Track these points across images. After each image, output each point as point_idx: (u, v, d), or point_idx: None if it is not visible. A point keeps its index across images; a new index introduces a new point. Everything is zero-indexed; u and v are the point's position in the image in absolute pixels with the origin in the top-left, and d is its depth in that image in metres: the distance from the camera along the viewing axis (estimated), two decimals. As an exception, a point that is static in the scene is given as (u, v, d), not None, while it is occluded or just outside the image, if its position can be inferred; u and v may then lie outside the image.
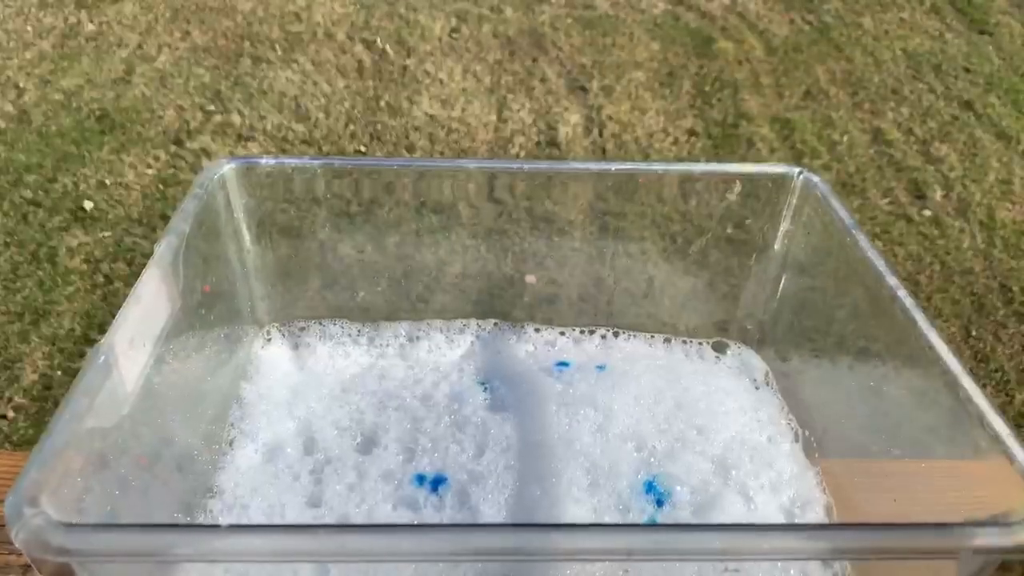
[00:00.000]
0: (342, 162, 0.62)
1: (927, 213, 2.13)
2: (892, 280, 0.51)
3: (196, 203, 0.55)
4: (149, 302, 0.47)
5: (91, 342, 1.64)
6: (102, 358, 0.42)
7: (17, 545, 0.33)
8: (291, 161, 0.62)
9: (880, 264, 0.52)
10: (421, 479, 0.54)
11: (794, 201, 0.62)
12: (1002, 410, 1.45)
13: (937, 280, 1.92)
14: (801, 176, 0.61)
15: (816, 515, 0.56)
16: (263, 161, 0.61)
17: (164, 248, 0.51)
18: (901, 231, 2.06)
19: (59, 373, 1.59)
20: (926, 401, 0.47)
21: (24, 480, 0.35)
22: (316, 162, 0.62)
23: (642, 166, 0.62)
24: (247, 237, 0.64)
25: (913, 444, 0.50)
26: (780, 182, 0.62)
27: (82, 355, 1.62)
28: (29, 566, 0.48)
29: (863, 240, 0.55)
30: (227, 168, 0.60)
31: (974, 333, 1.79)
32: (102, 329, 1.66)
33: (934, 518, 0.36)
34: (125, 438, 0.44)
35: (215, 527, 0.32)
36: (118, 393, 0.43)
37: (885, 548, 0.34)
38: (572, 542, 0.33)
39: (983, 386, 1.46)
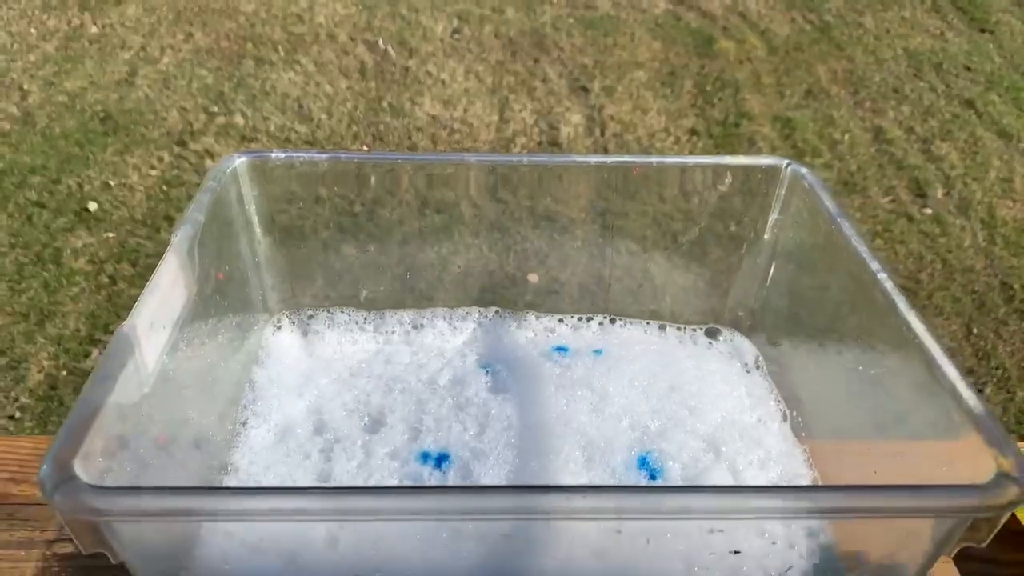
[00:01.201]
0: (349, 156, 0.63)
1: (928, 211, 2.14)
2: (875, 266, 0.52)
3: (209, 195, 0.58)
4: (167, 288, 0.49)
5: (96, 343, 1.65)
6: (124, 340, 0.44)
7: (53, 507, 0.35)
8: (301, 155, 0.64)
9: (864, 251, 0.53)
10: (426, 456, 0.56)
11: (783, 192, 0.64)
12: (1003, 407, 1.44)
13: (938, 278, 1.93)
14: (789, 168, 0.63)
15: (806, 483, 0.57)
16: (274, 155, 0.63)
17: (180, 237, 0.52)
18: (902, 229, 2.07)
19: (64, 373, 1.60)
20: (908, 383, 0.48)
21: (56, 449, 0.37)
22: (324, 156, 0.63)
23: (636, 159, 0.64)
24: (258, 228, 0.66)
25: (896, 425, 0.51)
26: (769, 174, 0.64)
27: (87, 355, 1.63)
28: (53, 541, 0.50)
29: (848, 228, 0.56)
30: (239, 162, 0.62)
31: (975, 331, 1.80)
32: (107, 330, 1.67)
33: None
34: (145, 417, 0.46)
35: (233, 488, 0.33)
36: (139, 374, 0.45)
37: (862, 508, 0.36)
38: (563, 502, 0.34)
39: (983, 383, 1.45)
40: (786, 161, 0.63)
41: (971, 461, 0.40)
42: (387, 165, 0.64)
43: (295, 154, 0.63)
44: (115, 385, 0.41)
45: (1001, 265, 1.97)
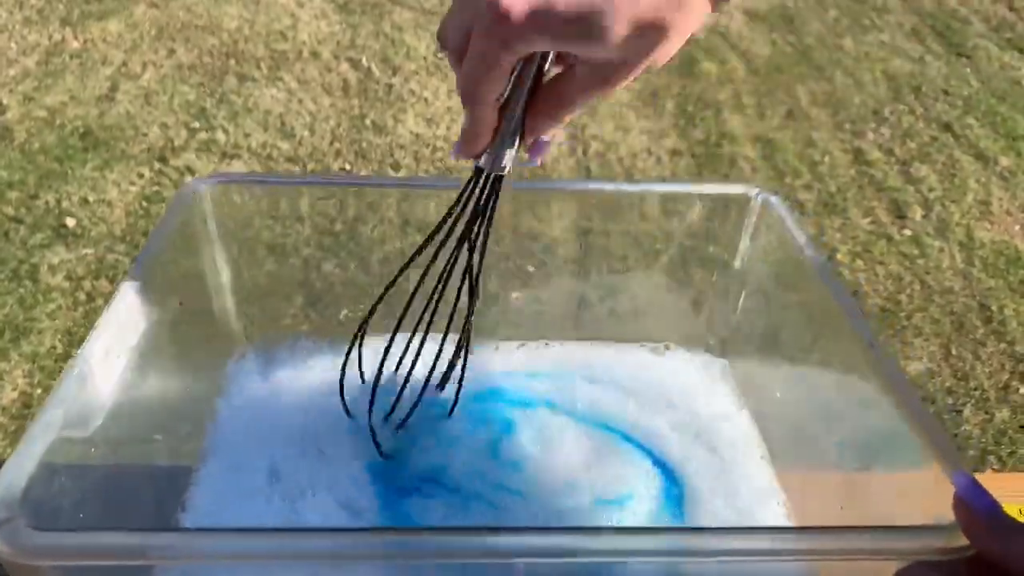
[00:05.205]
0: (317, 181, 0.63)
1: (907, 233, 2.15)
2: (843, 297, 0.52)
3: (173, 221, 0.56)
4: (124, 316, 0.48)
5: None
6: (77, 370, 0.43)
7: None
8: (266, 180, 0.62)
9: (832, 281, 0.54)
10: (403, 491, 0.54)
11: (753, 220, 0.64)
12: (982, 428, 1.44)
13: (917, 299, 1.94)
14: (760, 196, 0.63)
15: (774, 514, 0.57)
16: (239, 180, 0.61)
17: (140, 264, 0.51)
18: (882, 250, 2.08)
19: (39, 391, 1.58)
20: (874, 414, 0.48)
21: None
22: (290, 181, 0.62)
23: (607, 185, 0.64)
24: (222, 254, 0.64)
25: (862, 455, 0.51)
26: (740, 202, 0.64)
27: (63, 372, 1.61)
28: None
29: (816, 258, 0.56)
30: (204, 187, 0.60)
31: (954, 352, 1.81)
32: (83, 346, 1.65)
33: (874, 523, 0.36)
34: (99, 450, 0.44)
35: (184, 530, 0.32)
36: (92, 405, 0.43)
37: (825, 550, 0.35)
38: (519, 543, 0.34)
39: (962, 404, 1.45)
40: (756, 189, 0.64)
41: (935, 494, 0.40)
42: (357, 190, 0.63)
43: (260, 179, 0.62)
44: (66, 418, 0.40)
45: (979, 287, 1.99)
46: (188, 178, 2.18)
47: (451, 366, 0.58)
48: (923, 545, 0.36)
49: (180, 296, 0.57)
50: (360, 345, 0.58)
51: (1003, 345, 1.83)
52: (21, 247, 1.89)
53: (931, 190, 2.31)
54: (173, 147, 2.29)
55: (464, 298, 0.54)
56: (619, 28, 0.39)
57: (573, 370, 0.67)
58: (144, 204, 2.07)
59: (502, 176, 0.50)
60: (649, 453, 0.60)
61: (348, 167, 2.28)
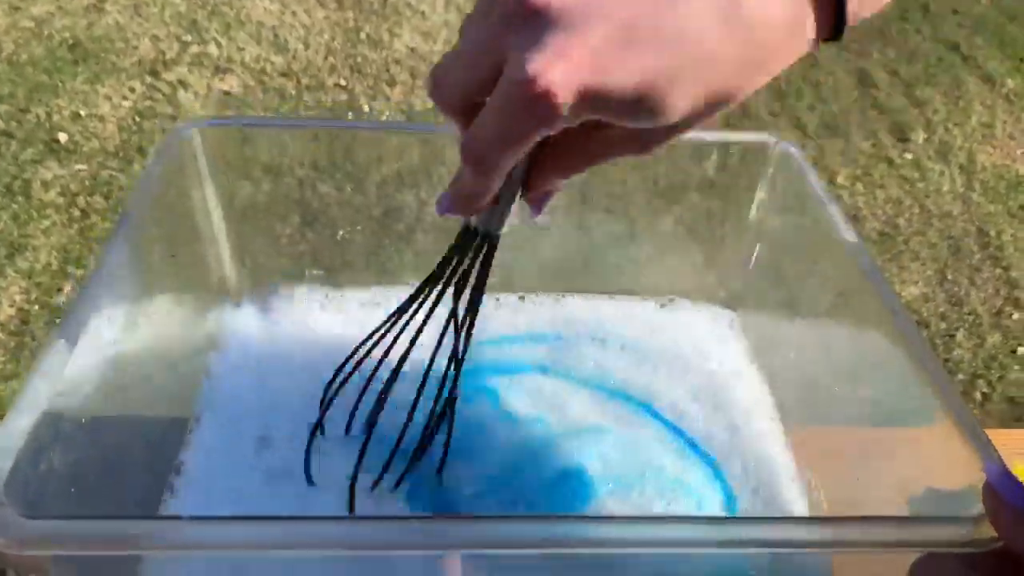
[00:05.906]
0: (310, 124, 0.60)
1: (908, 156, 2.13)
2: (862, 254, 0.51)
3: (161, 167, 0.54)
4: (114, 271, 0.45)
5: (68, 276, 1.63)
6: (62, 338, 0.40)
7: None
8: (258, 123, 0.60)
9: (850, 235, 0.53)
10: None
11: (770, 171, 0.62)
12: (973, 352, 1.44)
13: (916, 223, 1.93)
14: (778, 146, 0.61)
15: (786, 476, 0.57)
16: (230, 123, 0.59)
17: (129, 214, 0.49)
18: (882, 173, 2.06)
19: (36, 307, 1.58)
20: (890, 374, 0.48)
21: None
22: (284, 124, 0.60)
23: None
24: (214, 201, 0.62)
25: (876, 413, 0.51)
26: (757, 151, 0.62)
27: (59, 289, 1.61)
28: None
29: (835, 210, 0.55)
30: (193, 130, 0.58)
31: (949, 277, 1.81)
32: (79, 263, 1.65)
33: (891, 488, 0.36)
34: (88, 416, 0.42)
35: (178, 518, 0.31)
36: (82, 366, 0.41)
37: (843, 541, 0.34)
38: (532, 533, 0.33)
39: (955, 329, 1.45)
40: (774, 139, 0.61)
41: (950, 456, 0.40)
42: (350, 133, 0.61)
43: (253, 122, 0.60)
44: (52, 389, 0.38)
45: (978, 211, 1.98)
46: (181, 92, 2.14)
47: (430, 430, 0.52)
48: (949, 536, 0.35)
49: (171, 247, 0.55)
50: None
51: (998, 270, 1.84)
52: (13, 162, 1.87)
53: (935, 112, 2.28)
54: (164, 60, 2.24)
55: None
56: (683, 105, 0.33)
57: (577, 330, 0.66)
58: (137, 119, 2.04)
59: (498, 237, 0.44)
60: (680, 433, 0.58)
61: (343, 83, 2.23)
